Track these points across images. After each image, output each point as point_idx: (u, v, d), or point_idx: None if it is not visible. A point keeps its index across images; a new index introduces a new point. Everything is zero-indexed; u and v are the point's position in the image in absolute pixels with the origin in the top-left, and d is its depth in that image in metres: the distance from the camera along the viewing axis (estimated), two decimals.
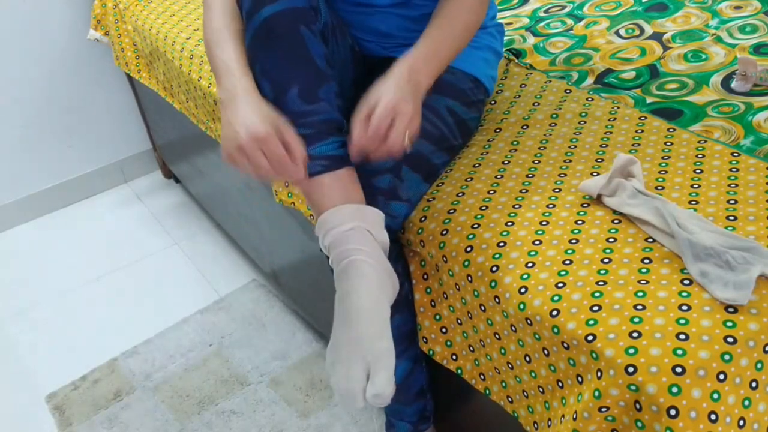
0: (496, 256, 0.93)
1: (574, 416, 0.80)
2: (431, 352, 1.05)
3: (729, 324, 0.77)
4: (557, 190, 1.03)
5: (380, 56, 1.22)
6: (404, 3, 1.15)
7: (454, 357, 1.03)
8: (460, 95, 1.15)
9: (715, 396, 0.72)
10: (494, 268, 0.92)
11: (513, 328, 0.90)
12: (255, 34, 0.93)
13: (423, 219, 1.04)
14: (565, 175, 1.06)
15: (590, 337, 0.79)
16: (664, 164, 1.05)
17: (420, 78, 0.97)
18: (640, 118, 1.17)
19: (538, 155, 1.12)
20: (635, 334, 0.77)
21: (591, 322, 0.80)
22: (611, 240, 0.91)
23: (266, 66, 0.93)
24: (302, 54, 0.93)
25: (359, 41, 1.20)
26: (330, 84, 0.94)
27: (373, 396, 0.83)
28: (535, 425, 0.91)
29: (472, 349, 1.00)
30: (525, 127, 1.20)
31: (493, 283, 0.91)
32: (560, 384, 0.85)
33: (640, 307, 0.80)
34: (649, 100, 1.25)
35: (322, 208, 0.93)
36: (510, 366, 0.93)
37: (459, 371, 1.03)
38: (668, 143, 1.10)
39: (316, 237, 0.96)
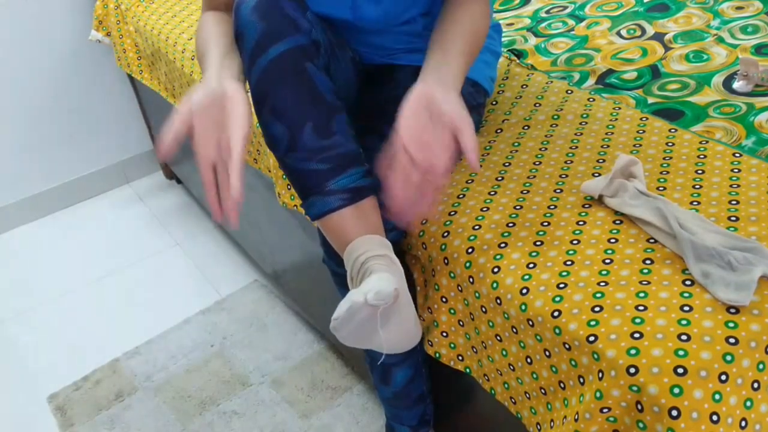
0: (498, 257, 0.93)
1: (576, 417, 0.80)
2: (438, 355, 1.05)
3: (731, 325, 0.77)
4: (558, 191, 1.03)
5: (379, 64, 1.21)
6: (390, 30, 1.15)
7: (460, 358, 1.04)
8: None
9: (717, 397, 0.72)
10: (495, 270, 0.92)
11: (514, 330, 0.89)
12: (262, 75, 0.92)
13: (424, 222, 1.04)
14: (567, 175, 1.06)
15: (592, 338, 0.79)
16: (665, 165, 1.05)
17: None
18: (641, 119, 1.17)
19: (539, 156, 1.12)
20: (637, 335, 0.77)
21: (592, 323, 0.80)
22: (613, 241, 0.91)
23: (277, 106, 0.92)
24: (311, 91, 0.93)
25: (358, 51, 1.20)
26: (341, 115, 0.95)
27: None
28: (538, 426, 0.91)
29: (475, 350, 1.00)
30: (526, 128, 1.20)
31: (494, 285, 0.91)
32: (562, 385, 0.85)
33: (641, 307, 0.80)
34: (651, 100, 1.25)
35: (345, 240, 0.93)
36: (512, 368, 0.93)
37: (467, 370, 1.03)
38: (670, 144, 1.10)
39: (317, 237, 0.96)
